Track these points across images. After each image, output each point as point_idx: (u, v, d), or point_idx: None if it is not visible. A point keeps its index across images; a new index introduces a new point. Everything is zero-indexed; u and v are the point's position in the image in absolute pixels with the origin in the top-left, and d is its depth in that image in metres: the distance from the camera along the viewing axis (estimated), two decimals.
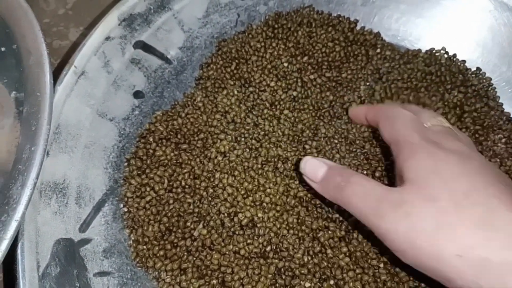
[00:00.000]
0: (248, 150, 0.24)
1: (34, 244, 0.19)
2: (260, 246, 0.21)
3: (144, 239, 0.22)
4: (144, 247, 0.22)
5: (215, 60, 0.28)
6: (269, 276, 0.21)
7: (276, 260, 0.21)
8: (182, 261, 0.21)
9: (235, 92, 0.26)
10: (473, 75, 0.28)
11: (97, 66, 0.24)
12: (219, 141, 0.24)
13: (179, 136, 0.25)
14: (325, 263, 0.21)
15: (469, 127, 0.26)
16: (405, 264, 0.18)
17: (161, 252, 0.21)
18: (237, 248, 0.21)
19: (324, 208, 0.22)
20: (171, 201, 0.23)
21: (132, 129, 0.25)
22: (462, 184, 0.17)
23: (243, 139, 0.24)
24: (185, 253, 0.21)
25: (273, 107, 0.26)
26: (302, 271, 0.21)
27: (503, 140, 0.26)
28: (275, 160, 0.24)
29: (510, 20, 0.28)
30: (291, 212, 0.22)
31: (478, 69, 0.28)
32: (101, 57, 0.25)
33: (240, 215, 0.22)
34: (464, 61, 0.29)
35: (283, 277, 0.21)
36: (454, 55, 0.29)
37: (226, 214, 0.22)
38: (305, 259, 0.21)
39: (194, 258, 0.21)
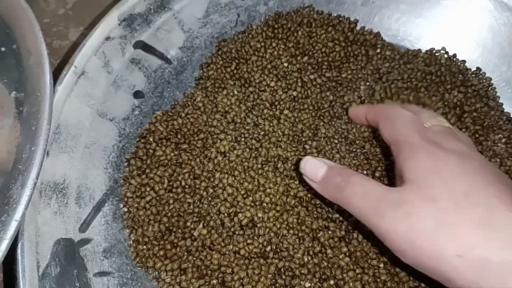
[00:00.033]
0: (248, 150, 0.24)
1: (34, 244, 0.19)
2: (260, 246, 0.21)
3: (144, 239, 0.22)
4: (144, 247, 0.22)
5: (215, 60, 0.28)
6: (269, 276, 0.21)
7: (276, 260, 0.21)
8: (182, 261, 0.21)
9: (235, 92, 0.26)
10: (473, 75, 0.28)
11: (97, 66, 0.24)
12: (219, 141, 0.24)
13: (179, 136, 0.25)
14: (325, 263, 0.21)
15: (469, 127, 0.26)
16: (405, 264, 0.18)
17: (161, 252, 0.21)
18: (237, 248, 0.21)
19: (324, 208, 0.22)
20: (171, 201, 0.23)
21: (132, 129, 0.25)
22: (462, 184, 0.17)
23: (243, 139, 0.24)
24: (185, 253, 0.21)
25: (273, 107, 0.26)
26: (302, 271, 0.21)
27: (503, 140, 0.26)
28: (275, 160, 0.24)
29: (510, 20, 0.28)
30: (291, 212, 0.22)
31: (478, 69, 0.28)
32: (101, 57, 0.25)
33: (240, 215, 0.22)
34: (464, 61, 0.29)
35: (283, 277, 0.21)
36: (454, 55, 0.29)
37: (226, 214, 0.22)
38: (305, 259, 0.21)
39: (194, 258, 0.21)
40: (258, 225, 0.22)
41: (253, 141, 0.24)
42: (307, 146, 0.24)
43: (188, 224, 0.22)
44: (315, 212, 0.22)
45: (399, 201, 0.17)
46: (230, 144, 0.24)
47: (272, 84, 0.26)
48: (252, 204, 0.22)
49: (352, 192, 0.19)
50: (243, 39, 0.28)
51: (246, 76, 0.27)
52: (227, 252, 0.21)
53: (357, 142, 0.25)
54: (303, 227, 0.22)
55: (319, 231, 0.22)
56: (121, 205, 0.23)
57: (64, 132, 0.22)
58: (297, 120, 0.25)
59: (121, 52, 0.26)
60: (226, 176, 0.23)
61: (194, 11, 0.28)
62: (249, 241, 0.21)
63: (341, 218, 0.22)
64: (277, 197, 0.22)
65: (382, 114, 0.22)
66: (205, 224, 0.22)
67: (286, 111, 0.26)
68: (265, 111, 0.26)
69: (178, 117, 0.25)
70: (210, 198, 0.22)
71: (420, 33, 0.30)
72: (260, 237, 0.21)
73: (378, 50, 0.28)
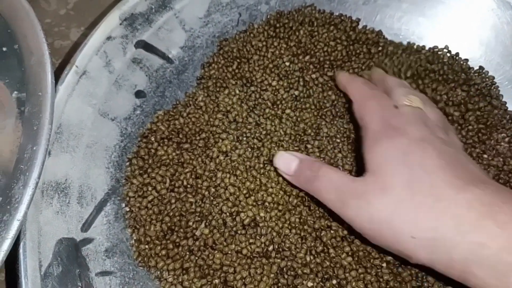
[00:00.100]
0: (250, 149, 0.24)
1: (36, 244, 0.19)
2: (262, 245, 0.21)
3: (146, 238, 0.22)
4: (146, 246, 0.22)
5: (217, 59, 0.28)
6: (272, 275, 0.21)
7: (279, 260, 0.21)
8: (184, 261, 0.21)
9: (237, 92, 0.26)
10: (476, 74, 0.28)
11: (99, 66, 0.24)
12: (220, 140, 0.24)
13: (180, 136, 0.25)
14: (328, 263, 0.21)
15: (472, 126, 0.26)
16: (408, 263, 0.18)
17: (163, 252, 0.21)
18: (239, 248, 0.21)
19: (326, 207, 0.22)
20: (173, 201, 0.23)
21: (133, 129, 0.25)
22: (416, 172, 0.18)
23: (245, 138, 0.24)
24: (187, 253, 0.21)
25: (275, 106, 0.26)
26: (305, 271, 0.21)
27: (506, 139, 0.26)
28: None
29: None
30: (293, 212, 0.22)
31: (481, 67, 0.28)
32: (103, 56, 0.25)
33: (242, 214, 0.22)
34: (466, 60, 0.28)
35: (286, 276, 0.21)
36: (457, 54, 0.29)
37: (228, 214, 0.22)
38: (308, 259, 0.21)
39: (196, 258, 0.21)
40: (260, 224, 0.22)
41: (255, 140, 0.24)
42: (309, 146, 0.24)
43: (190, 223, 0.22)
44: (317, 212, 0.22)
45: (361, 191, 0.19)
46: (232, 143, 0.24)
47: (274, 83, 0.26)
48: (254, 203, 0.22)
49: (320, 184, 0.20)
50: (244, 38, 0.28)
51: (247, 75, 0.27)
52: (229, 252, 0.21)
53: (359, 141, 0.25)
54: (305, 227, 0.22)
55: (322, 230, 0.22)
56: (123, 205, 0.23)
57: (66, 132, 0.22)
58: (299, 119, 0.25)
59: (123, 52, 0.26)
60: (228, 175, 0.23)
61: (196, 11, 0.28)
62: (251, 240, 0.21)
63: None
64: (279, 196, 0.22)
65: (355, 92, 0.23)
66: (207, 224, 0.22)
67: (288, 111, 0.25)
68: (267, 110, 0.25)
69: (180, 117, 0.25)
70: (212, 198, 0.22)
71: (422, 32, 0.30)
72: (262, 236, 0.21)
73: (380, 48, 0.28)
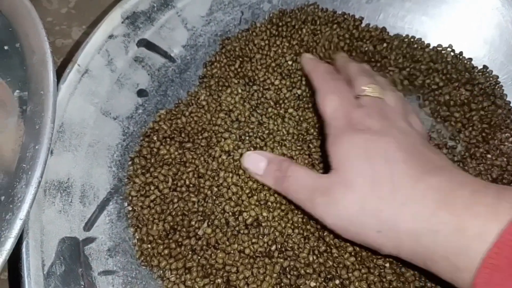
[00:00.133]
0: (252, 149, 0.24)
1: (39, 243, 0.19)
2: (265, 245, 0.21)
3: (148, 237, 0.22)
4: (149, 245, 0.22)
5: (219, 58, 0.28)
6: (274, 275, 0.21)
7: (281, 260, 0.21)
8: (187, 260, 0.21)
9: (239, 91, 0.26)
10: (480, 73, 0.28)
11: (101, 64, 0.24)
12: (223, 140, 0.24)
13: (183, 135, 0.25)
14: (331, 263, 0.21)
15: (476, 126, 0.26)
16: (411, 264, 0.18)
17: (166, 251, 0.21)
18: (242, 247, 0.21)
19: None
20: (175, 200, 0.23)
21: (136, 128, 0.25)
22: (377, 166, 0.18)
23: (247, 138, 0.24)
24: (190, 252, 0.21)
25: (277, 105, 0.26)
26: (308, 271, 0.21)
27: (510, 139, 0.25)
28: None
29: None
30: (296, 211, 0.22)
31: (485, 67, 0.28)
32: (105, 55, 0.24)
33: (245, 214, 0.22)
34: (470, 59, 0.28)
35: (288, 276, 0.21)
36: (461, 53, 0.29)
37: (230, 213, 0.22)
38: (311, 259, 0.21)
39: (199, 257, 0.21)
40: (263, 224, 0.21)
41: (258, 140, 0.24)
42: (311, 145, 0.24)
43: (193, 223, 0.22)
44: None
45: (326, 190, 0.19)
46: (234, 143, 0.24)
47: (277, 82, 0.26)
48: (257, 203, 0.22)
49: (289, 184, 0.20)
50: (247, 37, 0.28)
51: (250, 74, 0.27)
52: (232, 251, 0.21)
53: None
54: (308, 226, 0.22)
55: (324, 230, 0.22)
56: (126, 204, 0.23)
57: (68, 131, 0.22)
58: (301, 119, 0.25)
59: (125, 50, 0.25)
60: (230, 175, 0.23)
61: (198, 9, 0.28)
62: (254, 240, 0.21)
63: None
64: (282, 196, 0.22)
65: (318, 82, 0.24)
66: (209, 223, 0.22)
67: (290, 110, 0.25)
68: (270, 109, 0.25)
69: (182, 116, 0.25)
70: (214, 197, 0.22)
71: (425, 31, 0.30)
72: (265, 236, 0.21)
73: (385, 45, 0.28)
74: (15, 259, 0.19)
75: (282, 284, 0.21)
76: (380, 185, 0.18)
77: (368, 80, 0.22)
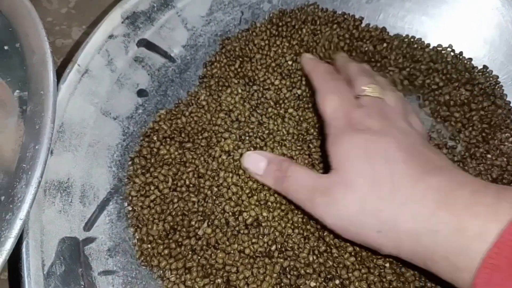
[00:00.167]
0: (252, 149, 0.24)
1: (39, 243, 0.19)
2: (265, 245, 0.21)
3: (148, 237, 0.22)
4: (149, 246, 0.22)
5: (219, 58, 0.28)
6: (274, 275, 0.21)
7: (281, 260, 0.21)
8: (187, 260, 0.21)
9: (239, 91, 0.26)
10: (480, 73, 0.28)
11: (101, 64, 0.24)
12: (223, 140, 0.24)
13: (183, 135, 0.25)
14: (331, 263, 0.21)
15: (476, 126, 0.26)
16: (411, 264, 0.18)
17: (166, 251, 0.21)
18: (242, 247, 0.21)
19: None
20: (175, 200, 0.23)
21: (136, 128, 0.25)
22: (375, 166, 0.18)
23: (247, 138, 0.24)
24: (190, 252, 0.21)
25: (277, 105, 0.26)
26: (308, 271, 0.21)
27: (510, 139, 0.25)
28: None
29: None
30: (296, 211, 0.22)
31: (485, 67, 0.28)
32: (105, 55, 0.24)
33: (244, 214, 0.22)
34: (470, 59, 0.28)
35: (288, 276, 0.21)
36: (461, 53, 0.29)
37: (230, 213, 0.22)
38: (311, 259, 0.21)
39: (199, 257, 0.21)
40: (263, 224, 0.21)
41: (258, 140, 0.24)
42: (311, 145, 0.24)
43: (193, 223, 0.22)
44: None
45: (326, 190, 0.19)
46: (234, 143, 0.24)
47: (277, 82, 0.26)
48: (257, 203, 0.22)
49: (289, 184, 0.20)
50: (247, 37, 0.28)
51: (250, 74, 0.27)
52: (232, 251, 0.21)
53: None
54: (308, 226, 0.22)
55: (324, 230, 0.22)
56: (126, 204, 0.23)
57: (68, 131, 0.22)
58: (301, 119, 0.25)
59: (125, 50, 0.25)
60: (230, 175, 0.23)
61: (198, 9, 0.28)
62: (254, 240, 0.21)
63: None
64: (282, 196, 0.22)
65: (318, 82, 0.24)
66: (209, 223, 0.22)
67: (290, 110, 0.25)
68: (270, 109, 0.25)
69: (182, 116, 0.25)
70: (214, 197, 0.22)
71: (425, 31, 0.30)
72: (265, 236, 0.21)
73: (385, 45, 0.28)
74: (15, 259, 0.19)
75: (282, 284, 0.21)
76: (380, 185, 0.18)
77: (368, 80, 0.22)
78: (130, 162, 0.24)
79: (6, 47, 0.22)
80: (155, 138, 0.25)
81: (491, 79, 0.28)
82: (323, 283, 0.20)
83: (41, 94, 0.20)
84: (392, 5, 0.30)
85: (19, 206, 0.18)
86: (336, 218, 0.19)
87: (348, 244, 0.21)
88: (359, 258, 0.21)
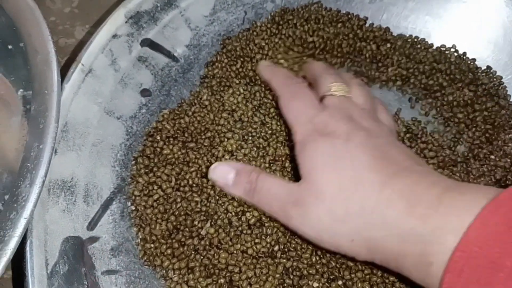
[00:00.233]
0: (255, 149, 0.24)
1: (42, 242, 0.19)
2: (268, 245, 0.21)
3: (151, 237, 0.22)
4: (152, 245, 0.22)
5: (220, 58, 0.28)
6: (277, 275, 0.21)
7: (284, 260, 0.21)
8: (190, 260, 0.21)
9: (241, 91, 0.26)
10: (483, 74, 0.28)
11: (104, 64, 0.24)
12: (226, 139, 0.24)
13: (186, 135, 0.25)
14: (333, 263, 0.21)
15: (480, 126, 0.26)
16: None
17: (169, 251, 0.21)
18: (244, 248, 0.21)
19: None
20: (178, 200, 0.23)
21: (139, 128, 0.25)
22: (344, 174, 0.18)
23: (250, 138, 0.24)
24: (193, 252, 0.21)
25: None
26: (310, 271, 0.21)
27: None
28: (283, 159, 0.23)
29: None
30: None
31: (489, 67, 0.28)
32: (108, 55, 0.25)
33: (247, 214, 0.22)
34: (474, 60, 0.28)
35: (291, 277, 0.21)
36: (464, 53, 0.28)
37: (233, 213, 0.22)
38: (313, 259, 0.21)
39: (202, 257, 0.21)
40: (266, 224, 0.21)
41: (261, 140, 0.24)
42: None
43: (196, 222, 0.22)
44: None
45: (298, 201, 0.19)
46: (237, 143, 0.24)
47: None
48: None
49: (260, 196, 0.20)
50: (247, 37, 0.28)
51: (251, 74, 0.27)
52: (235, 251, 0.21)
53: None
54: None
55: None
56: (129, 203, 0.23)
57: (71, 130, 0.22)
58: None
59: (128, 50, 0.25)
60: None
61: (201, 9, 0.28)
62: (256, 240, 0.21)
63: None
64: None
65: (279, 88, 0.23)
66: (212, 223, 0.22)
67: None
68: (272, 110, 0.25)
69: (185, 116, 0.25)
70: (217, 197, 0.22)
71: (429, 30, 0.29)
72: (268, 236, 0.21)
73: (389, 45, 0.28)
74: (19, 258, 0.19)
75: (285, 285, 0.21)
76: (349, 193, 0.18)
77: (333, 78, 0.22)
78: (133, 162, 0.24)
79: (10, 47, 0.23)
80: (158, 137, 0.25)
81: (494, 79, 0.28)
82: (326, 283, 0.20)
83: (45, 94, 0.20)
84: (396, 4, 0.30)
85: (23, 205, 0.18)
86: (310, 229, 0.19)
87: None
88: None
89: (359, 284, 0.20)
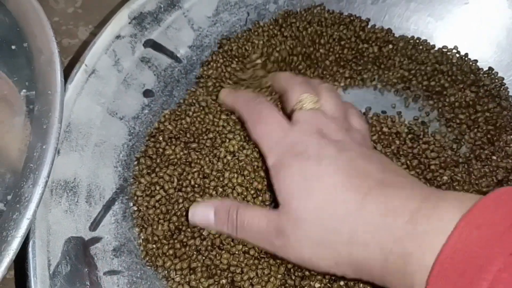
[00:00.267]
0: (257, 150, 0.24)
1: (45, 243, 0.19)
2: None
3: (153, 238, 0.22)
4: (154, 246, 0.22)
5: (216, 58, 0.27)
6: (279, 276, 0.21)
7: (286, 260, 0.21)
8: (192, 261, 0.21)
9: None
10: (485, 75, 0.28)
11: (108, 65, 0.24)
12: (228, 140, 0.24)
13: (188, 135, 0.25)
14: None
15: (481, 127, 0.26)
16: None
17: (171, 251, 0.21)
18: (246, 248, 0.21)
19: None
20: (180, 200, 0.23)
21: (141, 128, 0.25)
22: (318, 196, 0.18)
23: None
24: (195, 253, 0.21)
25: (277, 106, 0.26)
26: (312, 272, 0.21)
27: None
28: None
29: None
30: None
31: (490, 68, 0.28)
32: (112, 55, 0.25)
33: None
34: (476, 61, 0.28)
35: (293, 277, 0.21)
36: (466, 55, 0.28)
37: None
38: None
39: (204, 258, 0.21)
40: None
41: None
42: None
43: None
44: None
45: (278, 230, 0.19)
46: (239, 143, 0.24)
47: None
48: (262, 204, 0.22)
49: (244, 232, 0.20)
50: (246, 37, 0.28)
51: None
52: (237, 252, 0.21)
53: None
54: None
55: None
56: (131, 204, 0.23)
57: (74, 131, 0.22)
58: None
59: (131, 51, 0.26)
60: (235, 175, 0.23)
61: (204, 10, 0.28)
62: None
63: None
64: None
65: (244, 112, 0.22)
66: None
67: None
68: None
69: (187, 116, 0.25)
70: (219, 198, 0.22)
71: (431, 32, 0.29)
72: None
73: (391, 46, 0.28)
74: (21, 259, 0.19)
75: (287, 285, 0.21)
76: (325, 217, 0.18)
77: (301, 89, 0.21)
78: (135, 162, 0.24)
79: (13, 47, 0.23)
80: (160, 138, 0.25)
81: (496, 80, 0.28)
82: (328, 284, 0.20)
83: (49, 94, 0.20)
84: (398, 5, 0.30)
85: (26, 206, 0.18)
86: (295, 257, 0.19)
87: None
88: None
89: (361, 285, 0.20)
